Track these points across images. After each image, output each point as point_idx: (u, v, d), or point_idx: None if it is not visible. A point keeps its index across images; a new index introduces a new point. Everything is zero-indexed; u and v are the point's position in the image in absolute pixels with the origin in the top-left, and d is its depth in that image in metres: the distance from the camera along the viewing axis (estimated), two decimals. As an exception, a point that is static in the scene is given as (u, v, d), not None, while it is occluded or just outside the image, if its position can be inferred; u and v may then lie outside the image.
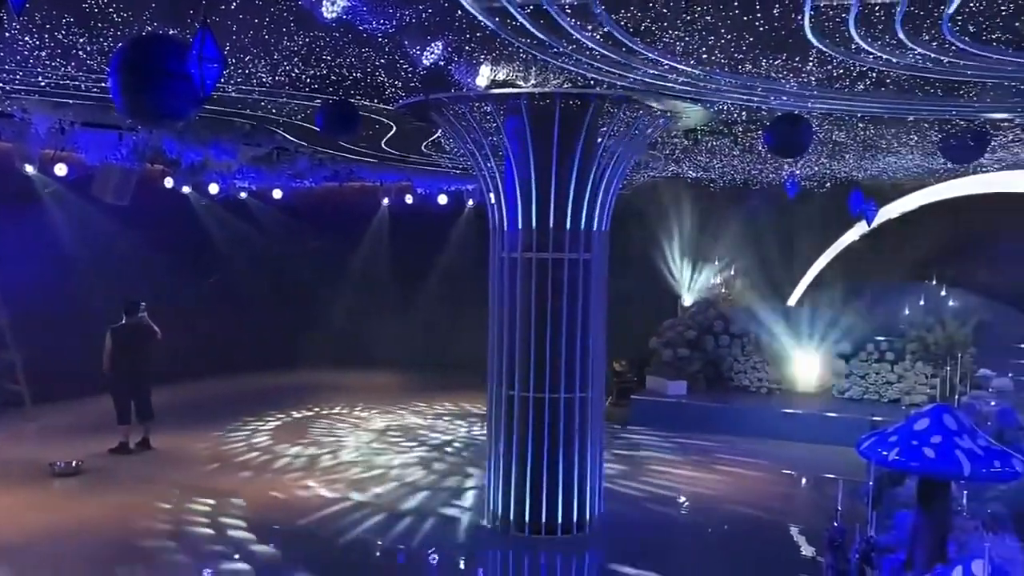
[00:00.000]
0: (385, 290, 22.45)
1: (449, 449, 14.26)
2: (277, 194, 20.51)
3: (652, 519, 10.98)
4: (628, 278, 17.15)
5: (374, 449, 14.15)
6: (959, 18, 6.25)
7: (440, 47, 7.55)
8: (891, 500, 8.05)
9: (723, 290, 19.38)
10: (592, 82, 8.81)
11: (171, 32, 6.94)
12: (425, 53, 7.75)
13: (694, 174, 17.31)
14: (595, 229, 9.95)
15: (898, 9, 6.03)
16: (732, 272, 19.51)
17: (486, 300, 10.39)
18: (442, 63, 8.09)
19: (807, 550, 9.94)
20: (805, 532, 10.54)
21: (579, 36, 6.95)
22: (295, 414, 16.71)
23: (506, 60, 8.02)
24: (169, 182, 17.70)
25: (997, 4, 5.96)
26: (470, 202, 22.01)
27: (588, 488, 10.04)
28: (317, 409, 17.21)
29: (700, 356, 17.69)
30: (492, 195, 10.24)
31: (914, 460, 5.30)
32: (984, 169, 16.31)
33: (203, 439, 14.42)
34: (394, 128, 12.29)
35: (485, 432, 10.96)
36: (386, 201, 22.57)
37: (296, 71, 8.68)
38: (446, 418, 16.71)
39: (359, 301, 22.26)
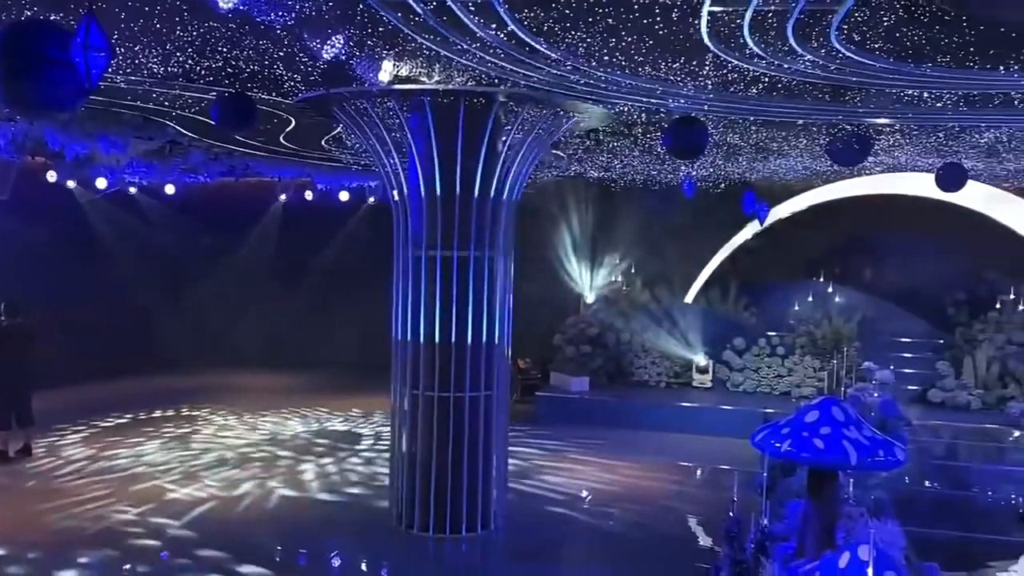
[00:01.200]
0: (280, 289, 21.95)
1: (346, 450, 14.05)
2: (169, 189, 19.74)
3: (555, 515, 11.09)
4: (532, 276, 17.29)
5: (265, 451, 13.79)
6: (845, 27, 6.55)
7: (341, 41, 7.41)
8: (784, 490, 8.38)
9: (624, 288, 19.77)
10: (497, 81, 8.82)
11: (54, 19, 6.57)
12: (325, 47, 7.59)
13: (596, 174, 17.58)
14: (500, 227, 9.97)
15: (790, 17, 6.26)
16: (632, 270, 19.93)
17: (389, 299, 10.28)
18: (343, 57, 7.95)
19: (705, 541, 10.24)
20: (703, 523, 10.85)
21: (483, 34, 6.94)
22: (185, 413, 16.14)
23: (409, 56, 7.94)
24: (52, 175, 16.78)
25: (879, 15, 6.27)
26: (371, 199, 21.71)
27: (492, 486, 10.06)
28: (208, 409, 16.66)
29: (602, 352, 17.98)
30: (395, 192, 10.13)
31: (805, 451, 5.52)
32: (867, 172, 17.17)
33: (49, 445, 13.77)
34: (293, 123, 12.01)
35: (384, 431, 10.83)
36: (283, 197, 22.01)
37: (190, 62, 8.36)
38: (346, 419, 16.45)
39: (252, 300, 21.70)
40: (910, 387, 16.37)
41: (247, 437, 14.74)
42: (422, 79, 8.94)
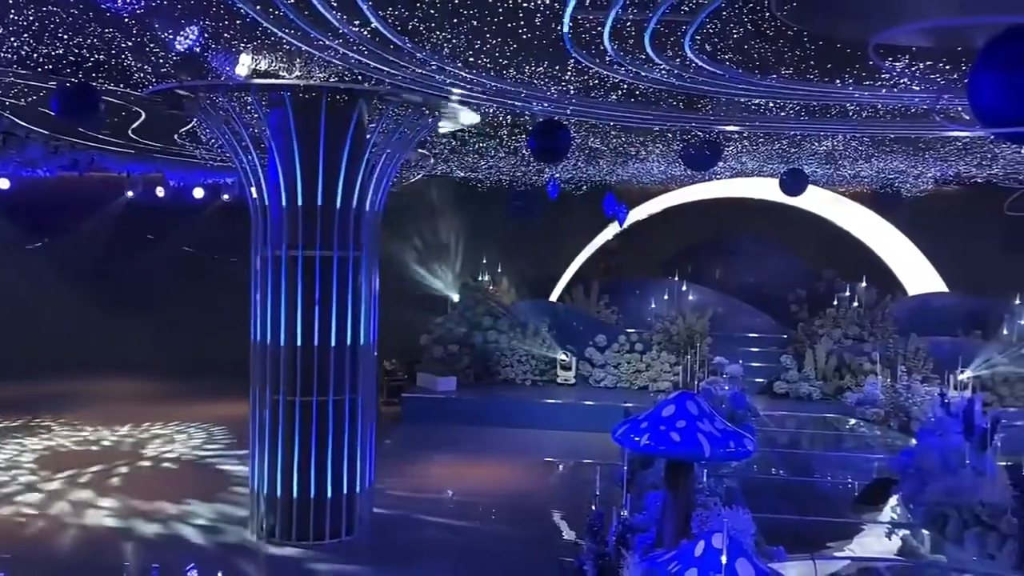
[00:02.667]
0: (125, 289, 20.71)
1: (202, 459, 13.47)
2: (3, 184, 18.27)
3: (422, 516, 11.03)
4: (398, 276, 17.17)
5: (112, 460, 13.03)
6: (698, 38, 6.86)
7: (195, 32, 7.09)
8: (643, 482, 8.70)
9: (490, 288, 19.93)
10: (361, 78, 8.69)
11: None
12: (179, 38, 7.25)
13: (462, 174, 17.65)
14: (365, 226, 9.83)
15: (647, 27, 6.49)
16: (499, 270, 20.13)
17: (247, 300, 9.93)
18: (198, 49, 7.61)
19: (569, 535, 10.46)
20: (567, 517, 11.08)
21: (346, 30, 6.82)
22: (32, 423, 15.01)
23: (269, 50, 7.70)
24: None
25: (730, 28, 6.60)
26: (226, 196, 20.84)
27: (357, 491, 9.91)
28: (59, 418, 15.56)
29: (469, 352, 18.06)
30: (254, 190, 9.80)
31: (662, 445, 5.75)
32: (718, 176, 18.07)
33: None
34: (143, 115, 11.39)
35: (235, 441, 10.45)
36: (130, 194, 20.75)
37: (27, 48, 7.77)
38: (198, 426, 15.75)
39: (95, 301, 20.37)
40: (757, 380, 17.32)
41: (90, 445, 13.86)
42: (282, 74, 8.69)
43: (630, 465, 8.57)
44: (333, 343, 9.59)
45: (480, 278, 19.95)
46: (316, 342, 9.53)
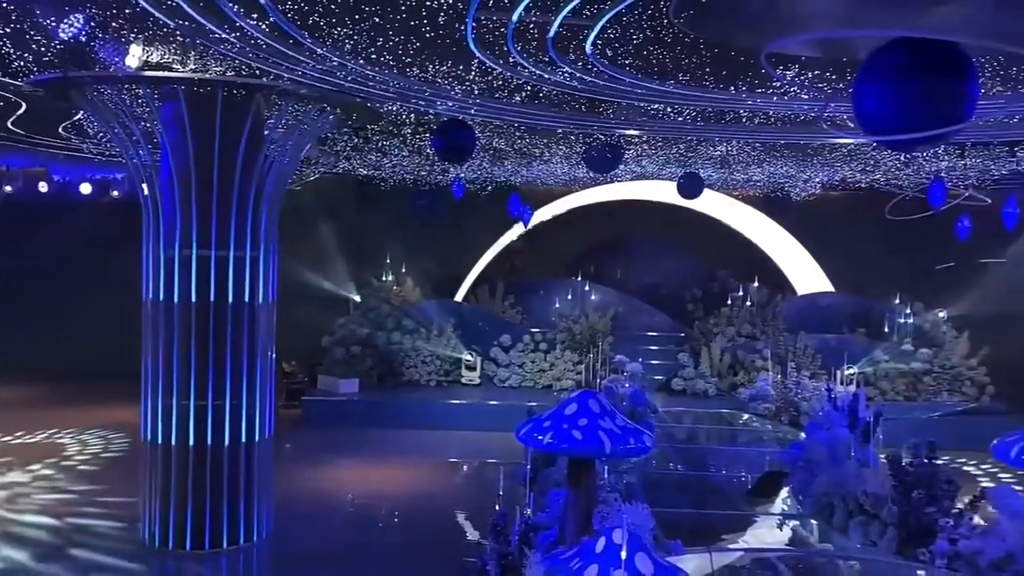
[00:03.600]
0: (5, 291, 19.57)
1: (88, 466, 12.86)
2: None
3: (324, 520, 10.84)
4: (298, 276, 16.80)
5: None
6: (599, 43, 6.97)
7: (81, 20, 6.75)
8: (545, 480, 8.77)
9: (394, 288, 19.74)
10: (258, 72, 8.45)
11: None
12: (63, 26, 6.88)
13: (365, 172, 17.41)
14: (262, 225, 9.56)
15: (550, 30, 6.56)
16: (403, 269, 19.96)
17: (138, 301, 9.53)
18: (84, 39, 7.24)
19: (473, 535, 10.46)
20: (471, 518, 11.09)
21: (243, 23, 6.62)
22: None
23: (161, 41, 7.40)
24: None
25: (630, 34, 6.73)
26: (115, 192, 19.92)
27: (256, 496, 9.63)
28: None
29: (372, 353, 17.85)
30: (145, 186, 9.41)
31: (565, 443, 5.82)
32: (619, 179, 18.42)
33: None
34: (24, 106, 10.77)
35: (127, 447, 10.03)
36: (9, 188, 19.56)
37: None
38: (84, 431, 15.03)
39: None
40: (656, 377, 17.76)
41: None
42: (176, 67, 8.37)
43: (533, 464, 8.62)
44: (229, 346, 9.31)
45: (384, 278, 19.74)
46: (212, 345, 9.22)
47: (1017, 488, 6.32)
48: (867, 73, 5.24)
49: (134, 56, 7.86)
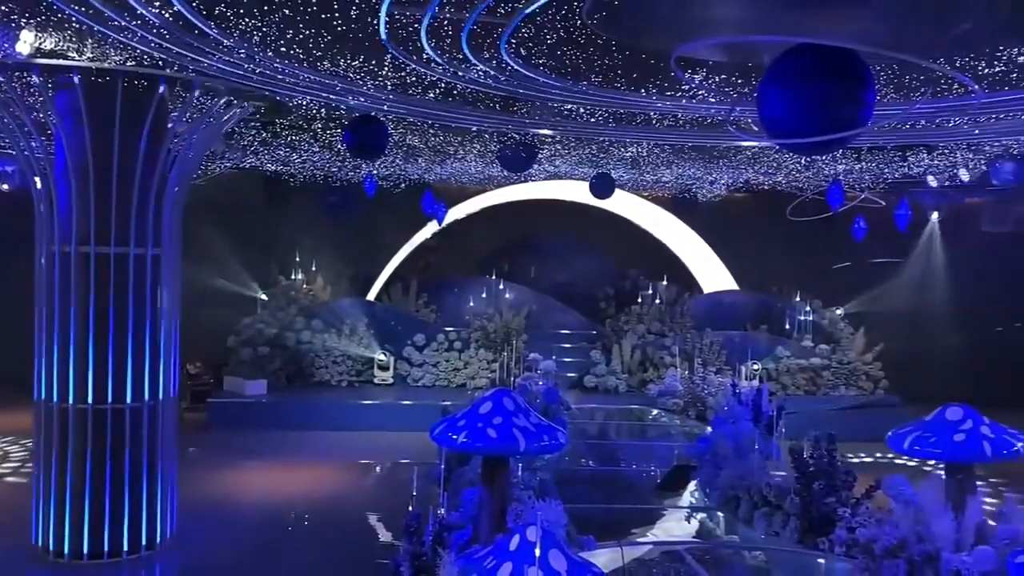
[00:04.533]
0: None
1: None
2: None
3: (230, 526, 10.54)
4: (203, 274, 16.28)
5: None
6: (514, 42, 6.98)
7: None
8: (459, 479, 8.74)
9: (304, 286, 19.35)
10: (161, 62, 8.14)
11: None
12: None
13: (273, 168, 17.00)
14: (165, 221, 9.22)
15: (464, 27, 6.53)
16: (313, 267, 19.58)
17: (30, 300, 9.06)
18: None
19: (385, 536, 10.35)
20: (384, 519, 10.96)
21: (144, 11, 6.36)
22: None
23: (56, 27, 7.04)
24: None
25: (543, 34, 6.77)
26: (4, 186, 18.84)
27: (159, 503, 9.28)
28: None
29: (281, 353, 17.46)
30: (38, 180, 8.94)
31: (479, 442, 5.81)
32: (533, 178, 18.54)
33: None
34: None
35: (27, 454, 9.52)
36: None
37: None
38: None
39: None
40: (569, 374, 17.94)
41: None
42: (71, 54, 7.98)
43: (447, 463, 8.59)
44: (130, 346, 8.94)
45: (293, 276, 19.32)
46: (111, 345, 8.84)
47: (910, 477, 6.64)
48: (771, 78, 5.40)
49: (25, 42, 7.46)
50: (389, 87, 8.87)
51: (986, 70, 7.24)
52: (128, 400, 8.94)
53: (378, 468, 13.87)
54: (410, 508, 6.13)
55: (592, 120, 10.42)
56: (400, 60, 7.68)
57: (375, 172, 16.72)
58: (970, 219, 20.02)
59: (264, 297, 18.87)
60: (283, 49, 7.38)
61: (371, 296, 20.03)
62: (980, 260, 19.95)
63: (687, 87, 8.36)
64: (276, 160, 15.75)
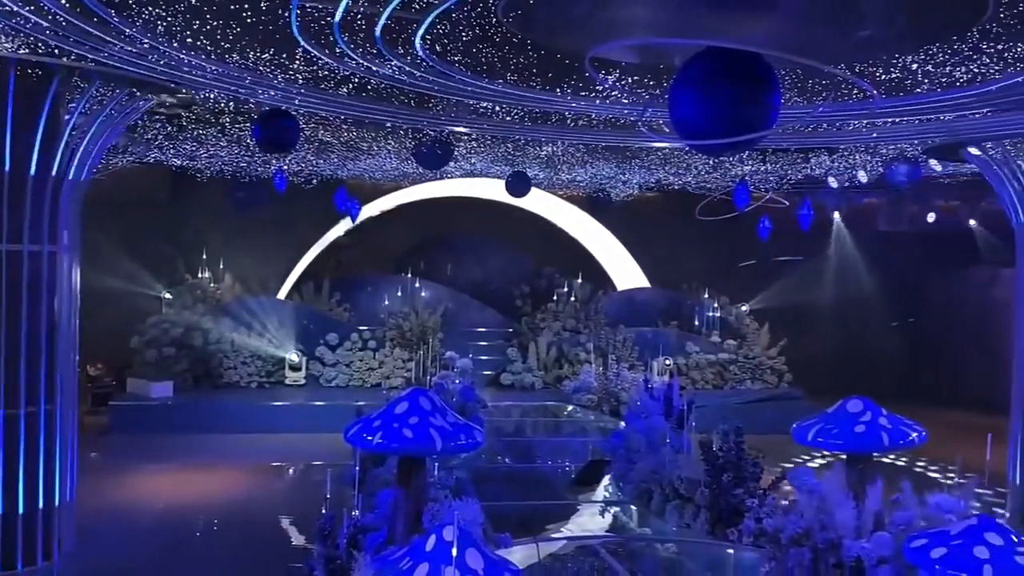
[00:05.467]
0: None
1: None
2: None
3: (134, 534, 10.15)
4: (103, 272, 15.63)
5: None
6: (429, 38, 6.93)
7: None
8: (374, 480, 8.64)
9: (212, 284, 18.79)
10: (57, 51, 7.75)
11: None
12: None
13: (179, 162, 16.44)
14: (62, 217, 8.79)
15: (378, 21, 6.44)
16: (221, 266, 19.02)
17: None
18: None
19: (298, 540, 10.15)
20: (296, 522, 10.75)
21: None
22: None
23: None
24: None
25: (459, 30, 6.74)
26: None
27: (56, 511, 8.85)
28: None
29: (188, 354, 16.92)
30: (-79, 172, 8.41)
31: (395, 442, 5.74)
32: (449, 175, 18.47)
33: None
34: None
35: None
36: None
37: None
38: None
39: None
40: (485, 372, 17.98)
41: None
42: (-43, 39, 7.53)
43: (362, 464, 8.46)
44: (24, 348, 8.49)
45: (200, 274, 18.74)
46: (2, 347, 8.38)
47: (814, 467, 6.90)
48: (681, 81, 5.52)
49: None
50: (301, 81, 8.68)
51: (883, 76, 7.57)
52: (22, 405, 8.50)
53: (290, 471, 13.59)
54: (323, 510, 6.03)
55: (508, 118, 10.44)
56: (312, 54, 7.52)
57: (286, 168, 16.36)
58: (868, 219, 20.95)
59: (169, 296, 18.24)
60: (189, 40, 7.13)
61: (282, 295, 19.60)
62: (878, 258, 20.94)
63: (601, 88, 8.47)
64: (182, 155, 15.24)
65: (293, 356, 17.56)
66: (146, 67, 8.17)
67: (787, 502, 6.79)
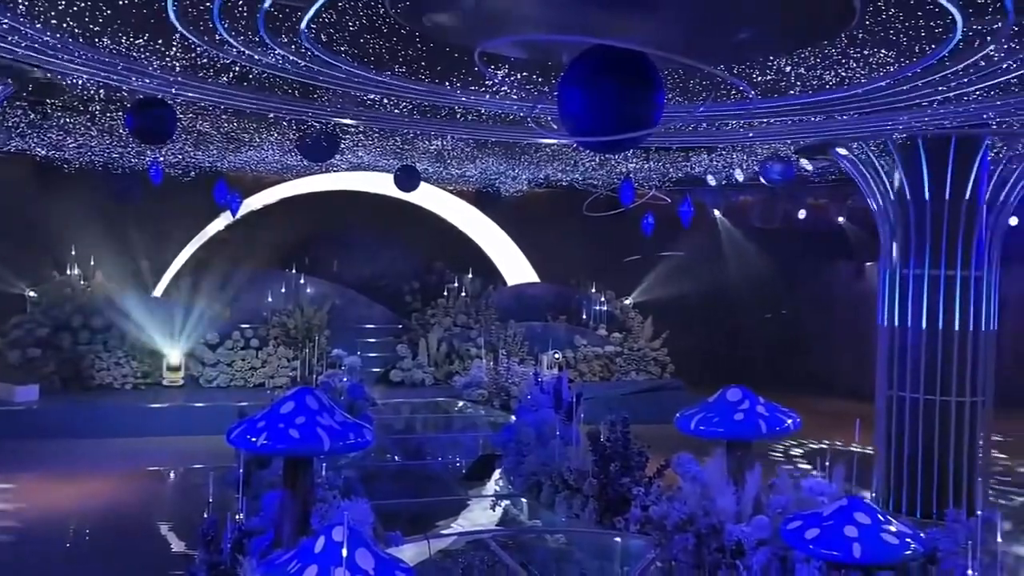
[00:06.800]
0: None
1: None
2: None
3: (-3, 548, 9.51)
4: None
5: None
6: (314, 27, 6.75)
7: None
8: (259, 482, 8.40)
9: (82, 281, 17.77)
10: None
11: None
12: None
13: (44, 152, 15.46)
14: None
15: (260, 8, 6.23)
16: (92, 261, 18.02)
17: None
18: None
19: (178, 546, 9.75)
20: (176, 528, 10.33)
21: None
22: None
23: None
24: None
25: (346, 20, 6.60)
26: None
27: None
28: None
29: (55, 355, 15.96)
30: None
31: (281, 443, 5.59)
32: (335, 168, 18.11)
33: None
34: None
35: None
36: None
37: None
38: None
39: None
40: (374, 369, 17.75)
41: None
42: None
43: (246, 467, 8.21)
44: None
45: (68, 271, 17.70)
46: None
47: (696, 455, 7.14)
48: (569, 78, 5.58)
49: None
50: (178, 69, 8.30)
51: (759, 78, 7.90)
52: None
53: (169, 475, 13.03)
54: (205, 515, 5.81)
55: (396, 111, 10.32)
56: (190, 40, 7.21)
57: (162, 159, 15.64)
58: (744, 216, 21.86)
59: (34, 295, 17.16)
60: (55, 22, 6.70)
61: (158, 292, 18.74)
62: (754, 254, 21.89)
63: (490, 83, 8.47)
64: (48, 144, 14.34)
65: (171, 356, 16.84)
66: (6, 49, 7.62)
67: (672, 490, 7.01)
